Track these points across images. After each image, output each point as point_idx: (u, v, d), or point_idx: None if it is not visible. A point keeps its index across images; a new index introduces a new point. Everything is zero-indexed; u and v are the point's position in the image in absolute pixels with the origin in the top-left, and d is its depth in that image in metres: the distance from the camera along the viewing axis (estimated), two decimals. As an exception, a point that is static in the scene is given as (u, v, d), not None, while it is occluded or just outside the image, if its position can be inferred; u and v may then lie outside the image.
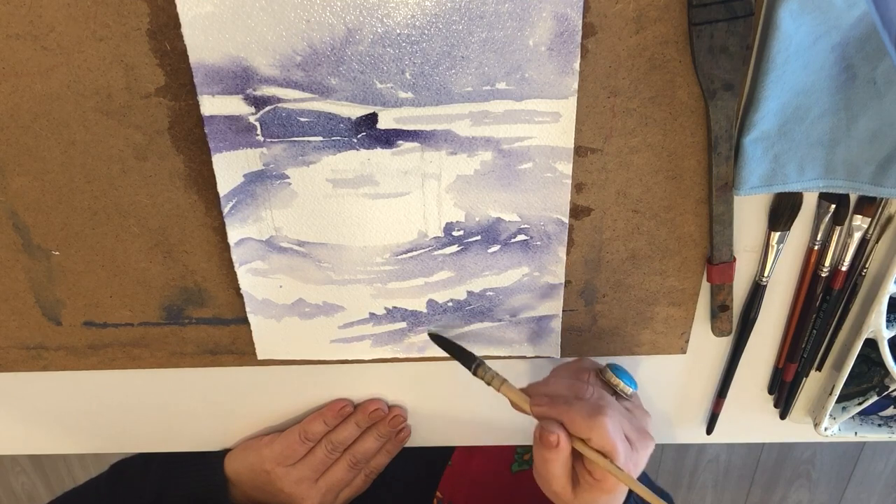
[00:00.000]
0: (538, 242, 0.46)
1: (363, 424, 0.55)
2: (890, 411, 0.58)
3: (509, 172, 0.43)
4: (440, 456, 0.64)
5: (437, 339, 0.50)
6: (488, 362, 0.47)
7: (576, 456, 0.43)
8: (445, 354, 0.49)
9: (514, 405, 0.45)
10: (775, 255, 0.47)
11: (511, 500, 0.63)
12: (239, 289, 0.48)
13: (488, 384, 0.46)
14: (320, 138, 0.42)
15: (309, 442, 0.55)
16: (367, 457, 0.57)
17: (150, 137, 0.42)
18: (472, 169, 0.43)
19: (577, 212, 0.45)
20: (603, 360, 0.49)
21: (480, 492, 0.63)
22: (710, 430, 0.58)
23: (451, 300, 0.49)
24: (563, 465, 0.42)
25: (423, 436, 0.58)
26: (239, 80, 0.39)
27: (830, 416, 0.56)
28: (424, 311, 0.49)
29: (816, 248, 0.47)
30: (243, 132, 0.41)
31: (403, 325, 0.50)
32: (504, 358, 0.52)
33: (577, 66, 0.39)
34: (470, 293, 0.48)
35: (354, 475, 0.57)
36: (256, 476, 0.56)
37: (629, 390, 0.46)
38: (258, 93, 0.40)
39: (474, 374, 0.47)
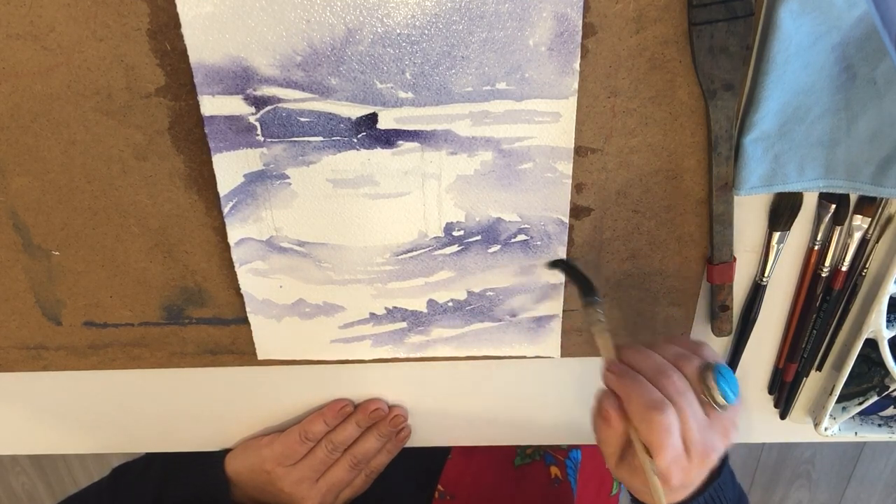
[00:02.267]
0: (538, 242, 0.46)
1: (364, 424, 0.55)
2: (890, 411, 0.58)
3: (509, 172, 0.43)
4: (439, 454, 0.64)
5: (562, 264, 0.47)
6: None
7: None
8: (445, 354, 0.49)
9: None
10: (775, 255, 0.47)
11: (514, 494, 0.63)
12: (239, 289, 0.48)
13: (589, 326, 0.44)
14: (320, 138, 0.42)
15: (309, 442, 0.55)
16: (368, 457, 0.56)
17: (150, 137, 0.42)
18: (473, 169, 0.43)
19: (577, 212, 0.45)
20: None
21: (483, 485, 0.63)
22: (710, 430, 0.58)
23: (452, 300, 0.49)
24: (616, 438, 0.42)
25: (423, 436, 0.58)
26: (239, 80, 0.39)
27: (830, 416, 0.56)
28: (424, 311, 0.49)
29: (816, 248, 0.47)
30: (243, 132, 0.41)
31: (404, 325, 0.50)
32: (504, 358, 0.52)
33: (577, 66, 0.39)
34: (470, 293, 0.48)
35: (355, 475, 0.57)
36: (257, 476, 0.56)
37: (722, 401, 0.41)
38: (258, 93, 0.40)
39: (584, 307, 0.44)
